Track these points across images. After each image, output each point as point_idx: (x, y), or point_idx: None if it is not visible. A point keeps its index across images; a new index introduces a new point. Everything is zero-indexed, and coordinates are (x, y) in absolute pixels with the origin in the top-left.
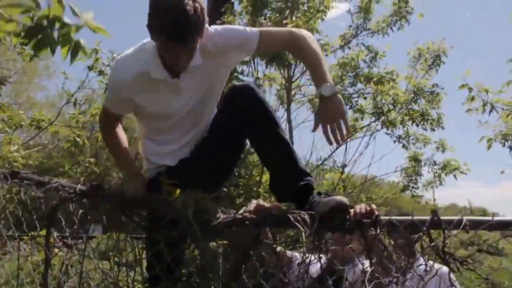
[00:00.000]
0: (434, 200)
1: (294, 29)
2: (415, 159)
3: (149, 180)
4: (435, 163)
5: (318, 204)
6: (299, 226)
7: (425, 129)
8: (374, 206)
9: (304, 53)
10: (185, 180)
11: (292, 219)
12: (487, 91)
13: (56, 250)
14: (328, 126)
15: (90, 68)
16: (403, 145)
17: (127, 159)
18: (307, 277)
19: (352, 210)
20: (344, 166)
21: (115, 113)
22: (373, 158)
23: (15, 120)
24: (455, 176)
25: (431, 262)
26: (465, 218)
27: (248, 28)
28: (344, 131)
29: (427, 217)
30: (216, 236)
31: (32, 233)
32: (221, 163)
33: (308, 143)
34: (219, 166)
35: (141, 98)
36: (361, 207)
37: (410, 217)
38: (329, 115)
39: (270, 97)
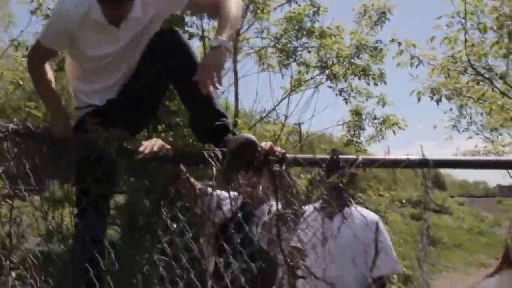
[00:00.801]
0: None
1: None
2: (357, 113)
3: (77, 120)
4: (375, 117)
5: (229, 141)
6: (212, 162)
7: (368, 84)
8: (279, 149)
9: (221, 16)
10: (112, 120)
11: (206, 156)
12: (414, 46)
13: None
14: (205, 75)
15: (33, 12)
16: (345, 99)
17: (55, 99)
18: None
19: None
20: (286, 117)
21: (48, 48)
22: (316, 111)
23: None
24: (394, 131)
25: (360, 208)
26: (360, 156)
27: None
28: (216, 83)
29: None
30: (138, 172)
31: None
32: (146, 104)
33: (253, 95)
34: (143, 107)
35: (80, 36)
36: (266, 144)
37: (313, 155)
38: (208, 64)
39: None
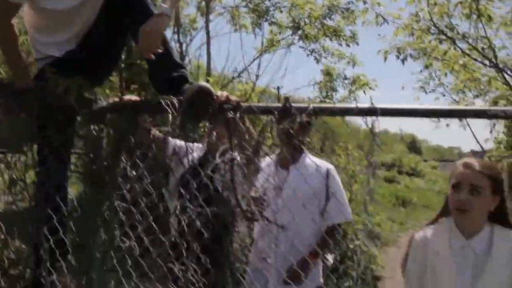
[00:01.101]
0: (367, 125)
1: None
2: (328, 73)
3: (37, 70)
4: (345, 78)
5: (186, 91)
6: (169, 110)
7: (340, 45)
8: (234, 97)
9: None
10: (71, 71)
11: (163, 104)
12: (379, 4)
13: None
14: (145, 42)
15: None
16: (315, 58)
17: (16, 53)
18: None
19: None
20: (257, 77)
21: (9, 2)
22: (287, 70)
23: None
24: (364, 91)
25: (315, 158)
26: (311, 105)
27: None
28: (157, 48)
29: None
30: (97, 121)
31: None
32: (104, 56)
33: (225, 55)
34: (102, 59)
35: None
36: (222, 93)
37: (266, 104)
38: (148, 31)
39: (191, 9)
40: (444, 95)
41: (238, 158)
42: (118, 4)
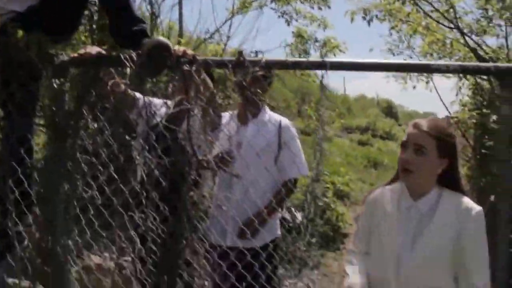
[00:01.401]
0: (345, 90)
1: None
2: (299, 35)
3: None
4: (316, 40)
5: (145, 44)
6: (127, 63)
7: (312, 8)
8: (190, 52)
9: None
10: (33, 26)
11: (122, 58)
12: None
13: None
14: None
15: None
16: (286, 20)
17: None
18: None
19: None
20: (228, 38)
21: None
22: (258, 32)
23: None
24: (334, 54)
25: (273, 114)
26: (264, 58)
27: None
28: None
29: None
30: (60, 74)
31: None
32: (67, 12)
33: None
34: (64, 15)
35: None
36: (179, 48)
37: (221, 58)
38: None
39: None
40: (411, 57)
41: (196, 111)
42: None
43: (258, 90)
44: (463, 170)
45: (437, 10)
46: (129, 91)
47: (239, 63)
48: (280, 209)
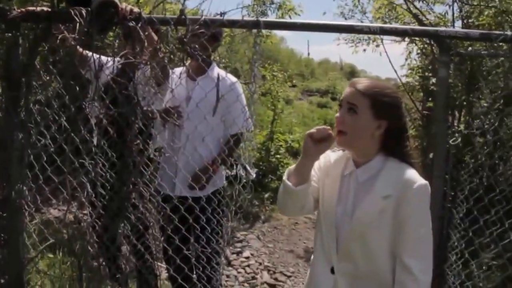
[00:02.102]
0: (309, 54)
1: None
2: None
3: None
4: (272, 2)
5: (94, 2)
6: (77, 19)
7: None
8: (136, 9)
9: None
10: None
11: (72, 13)
12: None
13: None
14: None
15: None
16: None
17: None
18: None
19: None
20: None
21: None
22: None
23: None
24: (290, 16)
25: (222, 71)
26: (204, 17)
27: None
28: None
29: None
30: (13, 28)
31: None
32: None
33: None
34: None
35: None
36: (127, 6)
37: (163, 16)
38: None
39: None
40: (362, 22)
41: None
42: None
43: (201, 47)
44: (411, 131)
45: None
46: (79, 48)
47: (181, 21)
48: (224, 162)
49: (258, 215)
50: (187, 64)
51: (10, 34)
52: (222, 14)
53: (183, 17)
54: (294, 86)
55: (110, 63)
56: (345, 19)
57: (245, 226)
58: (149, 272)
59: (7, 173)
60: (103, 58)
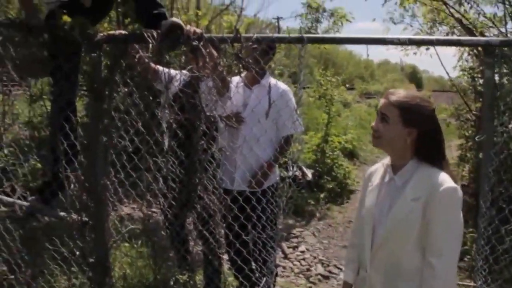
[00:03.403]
0: (368, 56)
1: None
2: (309, 6)
3: (48, 12)
4: (325, 10)
5: (163, 25)
6: (149, 40)
7: None
8: (199, 30)
9: None
10: (75, 12)
11: (146, 35)
12: None
13: None
14: None
15: None
16: None
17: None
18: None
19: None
20: (241, 10)
21: None
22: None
23: None
24: (341, 23)
25: (275, 80)
26: (256, 35)
27: None
28: None
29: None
30: (97, 49)
31: None
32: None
33: None
34: (100, 2)
35: None
36: (190, 27)
37: (221, 35)
38: None
39: None
40: (411, 26)
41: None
42: None
43: (255, 60)
44: (464, 132)
45: None
46: (151, 64)
47: (236, 39)
48: (276, 160)
49: (313, 213)
50: (243, 75)
51: (94, 54)
52: (278, 19)
53: (238, 35)
54: (352, 89)
55: (178, 76)
56: (394, 23)
57: (301, 223)
58: (213, 254)
59: (94, 170)
60: (172, 72)
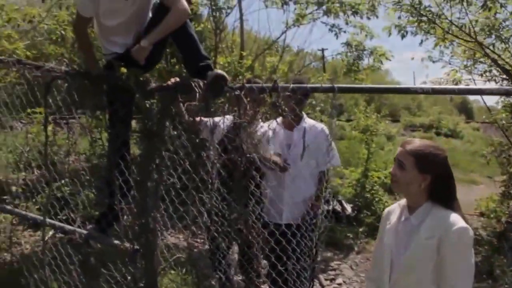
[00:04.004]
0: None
1: (180, 2)
2: (349, 44)
3: (106, 62)
4: (364, 49)
5: (208, 76)
6: (196, 89)
7: (361, 17)
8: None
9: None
10: (130, 63)
11: (193, 85)
12: None
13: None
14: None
15: None
16: (335, 33)
17: (90, 51)
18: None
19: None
20: (283, 50)
21: (83, 16)
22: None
23: (12, 18)
24: (381, 61)
25: (311, 120)
26: (292, 85)
27: None
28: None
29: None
30: (149, 97)
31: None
32: (155, 50)
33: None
34: (153, 52)
35: (101, 4)
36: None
37: (261, 84)
38: (134, 55)
39: None
40: (450, 63)
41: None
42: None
43: (293, 109)
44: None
45: (454, 25)
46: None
47: (274, 89)
48: (320, 194)
49: (352, 247)
50: (279, 119)
51: (147, 101)
52: (322, 50)
53: (276, 86)
54: (397, 121)
55: (221, 122)
56: (433, 62)
57: (339, 256)
58: (252, 283)
59: (146, 203)
60: (216, 119)
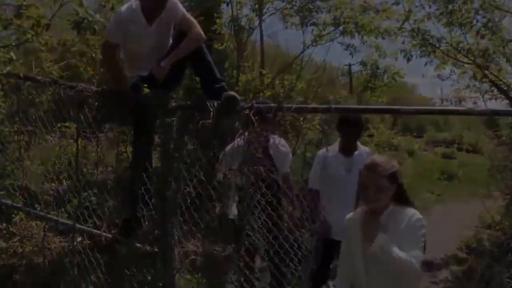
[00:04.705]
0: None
1: (195, 29)
2: (364, 64)
3: (131, 84)
4: (378, 67)
5: (223, 97)
6: (211, 109)
7: (376, 38)
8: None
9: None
10: (153, 84)
11: (208, 106)
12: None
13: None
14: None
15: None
16: (350, 53)
17: (118, 73)
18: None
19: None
20: (301, 68)
21: (111, 42)
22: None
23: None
24: (394, 79)
25: (366, 148)
26: (294, 105)
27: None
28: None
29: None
30: (170, 115)
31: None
32: (174, 74)
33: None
34: (173, 75)
35: (128, 31)
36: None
37: (272, 104)
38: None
39: (246, 10)
40: (458, 82)
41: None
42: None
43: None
44: None
45: (454, 48)
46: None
47: (279, 108)
48: None
49: None
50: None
51: (168, 119)
52: (349, 65)
53: (281, 106)
54: (420, 137)
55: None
56: (442, 80)
57: None
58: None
59: (164, 210)
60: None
